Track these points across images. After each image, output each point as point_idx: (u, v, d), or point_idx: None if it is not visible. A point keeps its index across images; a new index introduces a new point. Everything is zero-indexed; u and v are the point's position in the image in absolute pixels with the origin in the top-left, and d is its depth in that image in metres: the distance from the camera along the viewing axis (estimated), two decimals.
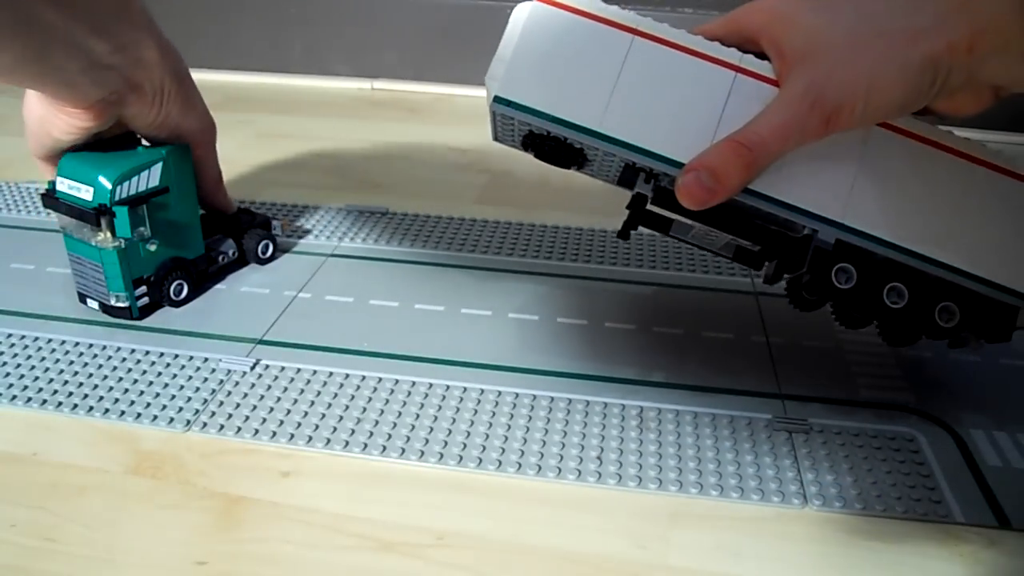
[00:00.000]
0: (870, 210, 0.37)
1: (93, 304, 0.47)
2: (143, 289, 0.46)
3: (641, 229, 0.39)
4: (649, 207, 0.39)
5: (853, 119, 0.34)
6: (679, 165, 0.36)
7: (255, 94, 0.95)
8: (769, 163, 0.35)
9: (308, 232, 0.59)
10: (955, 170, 0.37)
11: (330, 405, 0.41)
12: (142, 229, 0.45)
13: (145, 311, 0.47)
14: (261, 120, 0.85)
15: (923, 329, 0.38)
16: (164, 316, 0.48)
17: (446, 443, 0.38)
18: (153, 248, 0.46)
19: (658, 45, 0.37)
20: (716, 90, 0.37)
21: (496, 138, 0.42)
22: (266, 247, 0.53)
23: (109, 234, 0.43)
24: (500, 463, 0.37)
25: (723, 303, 0.50)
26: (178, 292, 0.48)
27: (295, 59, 0.99)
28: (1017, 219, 0.37)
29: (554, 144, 0.39)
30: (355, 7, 0.96)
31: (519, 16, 0.38)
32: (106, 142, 0.45)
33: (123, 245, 0.44)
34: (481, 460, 0.37)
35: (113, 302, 0.46)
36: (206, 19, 1.00)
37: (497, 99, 0.38)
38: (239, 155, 0.76)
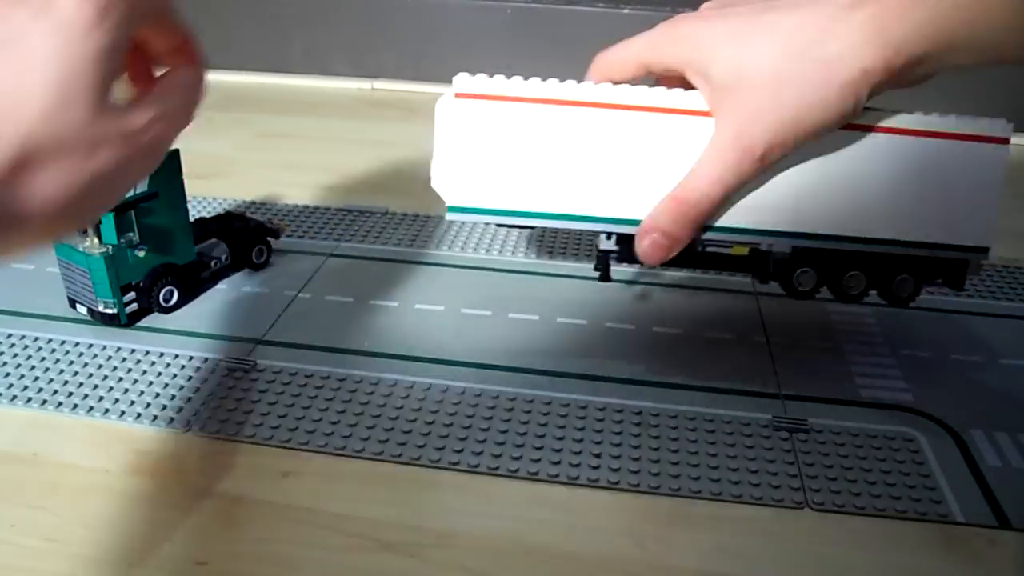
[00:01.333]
0: (816, 213, 0.39)
1: (82, 310, 0.46)
2: (132, 295, 0.46)
3: None
4: (613, 262, 0.41)
5: (785, 152, 0.36)
6: (636, 223, 0.38)
7: (255, 94, 0.95)
8: (714, 210, 0.37)
9: (308, 232, 0.59)
10: (879, 147, 0.38)
11: (330, 405, 0.41)
12: (130, 235, 0.44)
13: (134, 317, 0.47)
14: (261, 120, 0.85)
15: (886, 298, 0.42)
16: (164, 316, 0.48)
17: (445, 443, 0.38)
18: (142, 254, 0.45)
19: (583, 109, 0.38)
20: (655, 136, 0.38)
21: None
22: (260, 252, 0.53)
23: (96, 240, 0.43)
24: (500, 463, 0.37)
25: (723, 303, 0.50)
26: (168, 298, 0.47)
27: (295, 59, 0.99)
28: (948, 176, 0.38)
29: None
30: (355, 7, 0.96)
31: (443, 114, 0.39)
32: None
33: (111, 251, 0.44)
34: (481, 460, 0.37)
35: (101, 308, 0.45)
36: (206, 19, 0.99)
37: (451, 209, 0.39)
38: (239, 155, 0.76)
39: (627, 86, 0.38)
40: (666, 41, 0.38)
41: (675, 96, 0.37)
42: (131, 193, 0.43)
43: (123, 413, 0.40)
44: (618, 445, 0.38)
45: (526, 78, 0.39)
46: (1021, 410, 0.41)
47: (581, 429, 0.39)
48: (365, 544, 0.33)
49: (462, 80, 0.38)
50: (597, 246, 0.41)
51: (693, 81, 0.38)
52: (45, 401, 0.40)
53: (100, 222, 0.42)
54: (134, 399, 0.41)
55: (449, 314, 0.49)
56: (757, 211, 0.39)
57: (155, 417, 0.40)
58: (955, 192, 0.39)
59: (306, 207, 0.63)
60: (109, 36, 0.24)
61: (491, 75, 0.40)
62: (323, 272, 0.53)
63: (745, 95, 0.36)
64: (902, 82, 0.35)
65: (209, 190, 0.65)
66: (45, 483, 0.36)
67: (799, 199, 0.39)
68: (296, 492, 0.36)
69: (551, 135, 0.38)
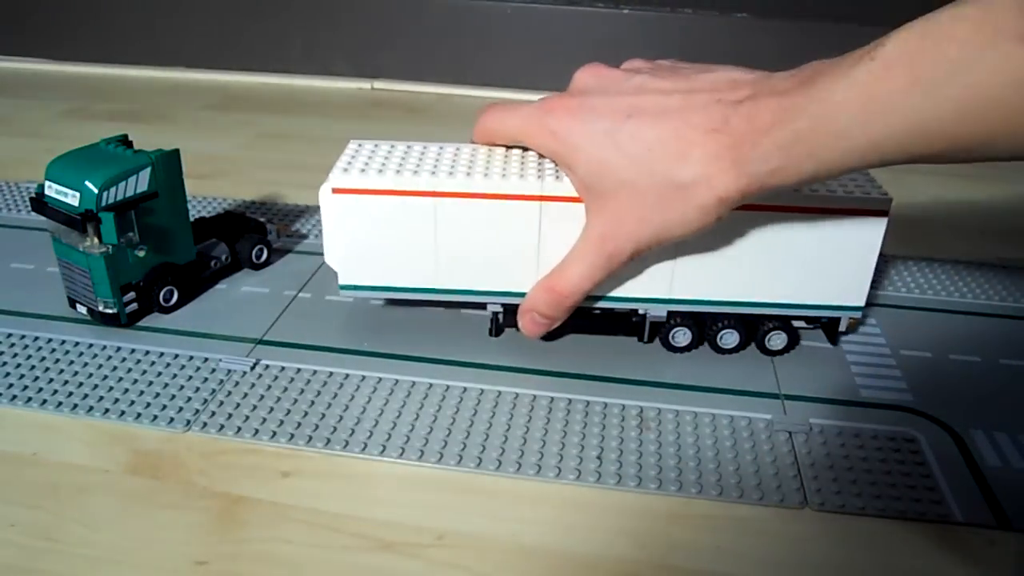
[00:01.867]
0: (690, 282, 0.42)
1: (82, 309, 0.46)
2: (132, 295, 0.46)
3: None
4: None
5: (635, 253, 0.38)
6: (519, 295, 0.42)
7: (255, 94, 0.95)
8: (581, 298, 0.40)
9: (308, 232, 0.59)
10: (761, 222, 0.40)
11: (330, 405, 0.41)
12: (130, 235, 0.44)
13: (134, 317, 0.46)
14: (261, 120, 0.85)
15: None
16: (164, 316, 0.48)
17: (446, 443, 0.38)
18: (142, 254, 0.45)
19: (458, 200, 0.41)
20: (529, 221, 0.41)
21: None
22: (260, 252, 0.53)
23: (96, 240, 0.43)
24: (500, 463, 0.37)
25: None
26: (168, 298, 0.47)
27: (295, 59, 0.99)
28: (825, 247, 0.41)
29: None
30: (355, 7, 0.96)
31: (325, 203, 0.42)
32: (101, 148, 0.45)
33: (110, 251, 0.44)
34: (481, 460, 0.37)
35: (101, 308, 0.45)
36: (206, 19, 1.00)
37: (343, 287, 0.44)
38: (239, 155, 0.76)
39: (500, 177, 0.40)
40: (536, 129, 0.40)
41: (547, 185, 0.40)
42: (131, 192, 0.44)
43: (123, 413, 0.40)
44: (619, 445, 0.38)
45: (421, 150, 0.43)
46: (1021, 410, 0.41)
47: (581, 429, 0.39)
48: (365, 544, 0.33)
49: (337, 176, 0.41)
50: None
51: (562, 170, 0.40)
52: (45, 401, 0.40)
53: (100, 221, 0.42)
54: (134, 399, 0.41)
55: (449, 314, 0.49)
56: (633, 283, 0.42)
57: (155, 417, 0.40)
58: (831, 260, 0.41)
59: (306, 207, 0.63)
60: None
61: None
62: (323, 272, 0.53)
63: (609, 200, 0.37)
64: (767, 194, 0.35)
65: (209, 190, 0.65)
66: (45, 483, 0.36)
67: (674, 271, 0.42)
68: (296, 492, 0.36)
69: (429, 222, 0.41)
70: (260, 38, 1.00)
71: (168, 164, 0.45)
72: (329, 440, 0.38)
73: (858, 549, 0.33)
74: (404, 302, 0.49)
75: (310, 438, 0.38)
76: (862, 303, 0.43)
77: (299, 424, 0.39)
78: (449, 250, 0.42)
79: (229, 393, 0.41)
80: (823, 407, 0.41)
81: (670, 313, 0.44)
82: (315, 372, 0.43)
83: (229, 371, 0.43)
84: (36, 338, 0.45)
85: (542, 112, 0.39)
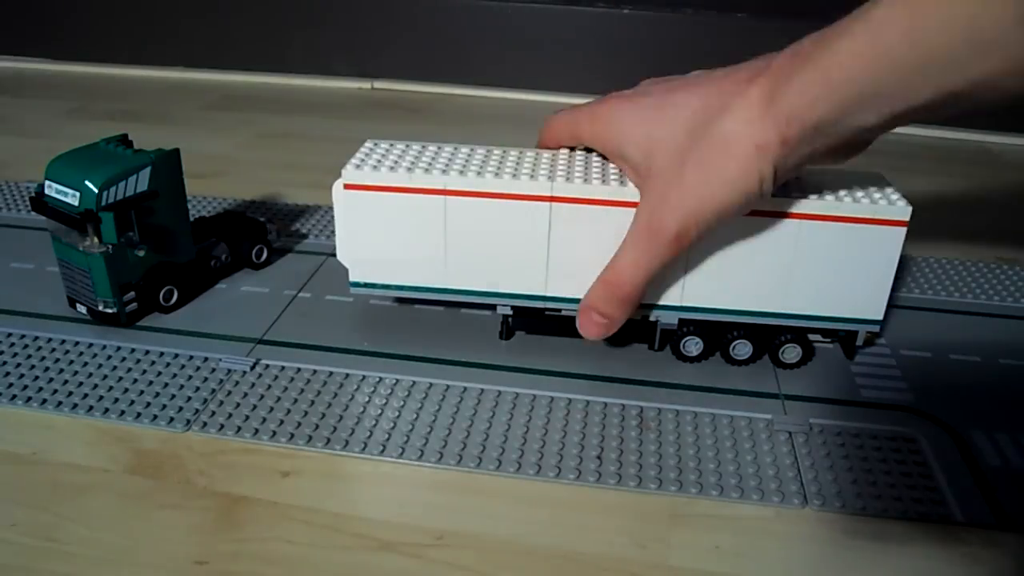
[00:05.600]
0: (701, 290, 0.41)
1: (82, 309, 0.46)
2: (131, 295, 0.46)
3: None
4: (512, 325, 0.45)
5: (698, 233, 0.37)
6: (527, 297, 0.42)
7: (255, 94, 0.95)
8: (640, 290, 0.39)
9: (308, 232, 0.59)
10: (778, 230, 0.40)
11: (330, 405, 0.41)
12: (130, 234, 0.44)
13: (134, 317, 0.46)
14: (261, 120, 0.85)
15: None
16: (164, 316, 0.48)
17: (446, 443, 0.38)
18: (142, 254, 0.45)
19: (469, 199, 0.40)
20: (540, 223, 0.40)
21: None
22: (260, 251, 0.53)
23: (96, 239, 0.43)
24: (500, 463, 0.37)
25: None
26: (168, 298, 0.47)
27: (295, 59, 0.99)
28: (844, 258, 0.40)
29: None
30: (355, 7, 0.96)
31: (338, 199, 0.42)
32: (100, 147, 0.45)
33: (110, 251, 0.44)
34: (481, 460, 0.37)
35: (101, 308, 0.45)
36: (206, 19, 1.00)
37: (353, 284, 0.44)
38: (239, 155, 0.76)
39: (511, 176, 0.40)
40: (588, 120, 0.40)
41: (556, 185, 0.40)
42: (131, 192, 0.44)
43: (123, 413, 0.40)
44: (619, 445, 0.38)
45: (435, 150, 0.43)
46: (1021, 410, 0.41)
47: (581, 429, 0.39)
48: (365, 544, 0.33)
49: (350, 172, 0.41)
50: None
51: (614, 161, 0.40)
52: (45, 401, 0.40)
53: (100, 221, 0.42)
54: (134, 399, 0.41)
55: (450, 314, 0.49)
56: (650, 290, 0.41)
57: (155, 417, 0.40)
58: (850, 272, 0.40)
59: (306, 207, 0.63)
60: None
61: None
62: (323, 272, 0.53)
63: (655, 178, 0.37)
64: (816, 156, 0.35)
65: (209, 189, 0.65)
66: (45, 483, 0.36)
67: (685, 278, 0.41)
68: (296, 492, 0.36)
69: (439, 220, 0.41)
70: (260, 38, 1.00)
71: (168, 164, 0.45)
72: (329, 440, 0.38)
73: (858, 549, 0.33)
74: (410, 301, 0.49)
75: (310, 438, 0.38)
76: (880, 316, 0.41)
77: (299, 424, 0.39)
78: (459, 249, 0.42)
79: (229, 393, 0.41)
80: (823, 407, 0.41)
81: (681, 321, 0.43)
82: (315, 372, 0.43)
83: (229, 371, 0.43)
84: (36, 338, 0.45)
85: (595, 104, 0.40)
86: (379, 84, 0.98)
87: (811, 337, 0.44)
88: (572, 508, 0.35)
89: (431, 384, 0.42)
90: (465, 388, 0.42)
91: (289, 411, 0.40)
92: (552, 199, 0.40)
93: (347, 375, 0.43)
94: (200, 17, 1.00)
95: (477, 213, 0.41)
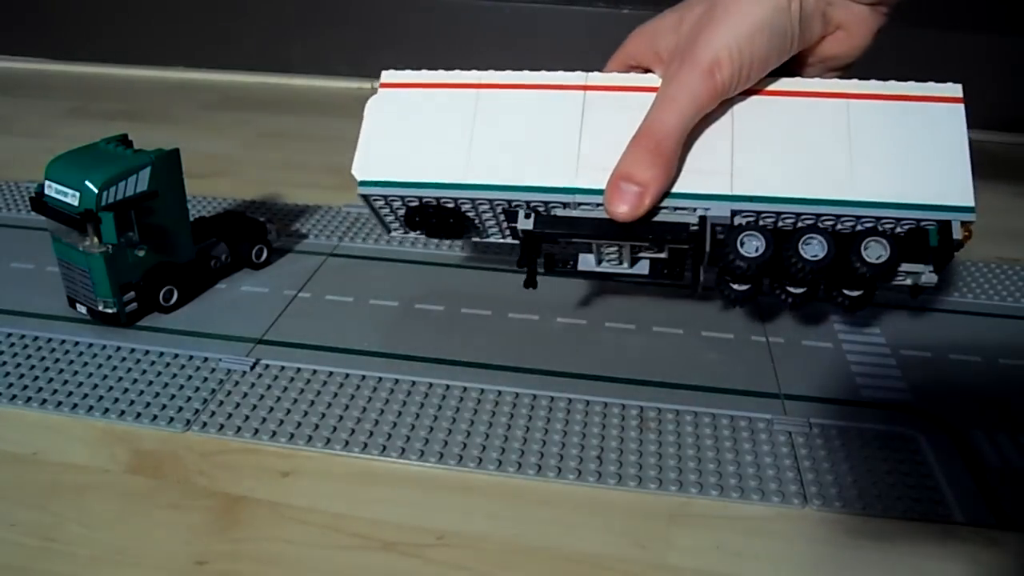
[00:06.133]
0: (755, 175, 0.36)
1: (82, 309, 0.46)
2: (131, 295, 0.46)
3: None
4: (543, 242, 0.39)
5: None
6: (554, 190, 0.37)
7: (255, 94, 0.95)
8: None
9: (308, 232, 0.59)
10: (827, 111, 0.37)
11: (330, 405, 0.41)
12: (130, 234, 0.44)
13: (133, 317, 0.46)
14: (261, 120, 0.85)
15: (861, 276, 0.36)
16: (164, 316, 0.48)
17: (446, 443, 0.38)
18: (141, 254, 0.45)
19: (502, 90, 0.39)
20: (572, 111, 0.38)
21: (389, 231, 0.44)
22: (260, 251, 0.53)
23: (96, 239, 0.43)
24: (500, 463, 0.37)
25: (723, 303, 0.50)
26: (168, 298, 0.47)
27: (295, 59, 0.99)
28: (908, 136, 0.36)
29: (435, 214, 0.40)
30: (356, 7, 0.96)
31: (370, 108, 0.41)
32: (99, 147, 0.45)
33: (110, 251, 0.44)
34: (481, 460, 0.37)
35: (101, 308, 0.45)
36: (206, 19, 0.99)
37: (362, 183, 0.39)
38: (239, 154, 0.76)
39: (545, 72, 0.39)
40: (631, 40, 0.40)
41: (592, 75, 0.39)
42: (131, 192, 0.44)
43: (123, 413, 0.40)
44: (619, 445, 0.38)
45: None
46: (1021, 410, 0.41)
47: (581, 429, 0.39)
48: (365, 544, 0.33)
49: (387, 74, 0.41)
50: (516, 231, 0.39)
51: (653, 67, 0.39)
52: (45, 401, 0.40)
53: (100, 221, 0.42)
54: (134, 399, 0.41)
55: (449, 314, 0.49)
56: (686, 175, 0.37)
57: (155, 417, 0.40)
58: (919, 151, 0.36)
59: (306, 207, 0.63)
60: None
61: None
62: (323, 272, 0.53)
63: (685, 33, 0.36)
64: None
65: (209, 189, 0.65)
66: (45, 483, 0.36)
67: (734, 158, 0.37)
68: (296, 492, 0.36)
69: (467, 116, 0.39)
70: (260, 38, 1.00)
71: (168, 164, 0.45)
72: (329, 440, 0.38)
73: (858, 549, 0.33)
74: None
75: (310, 438, 0.38)
76: (971, 201, 0.35)
77: (299, 424, 0.39)
78: (486, 144, 0.39)
79: (229, 393, 0.41)
80: (823, 407, 0.41)
81: (734, 214, 0.36)
82: (315, 372, 0.43)
83: (229, 371, 0.43)
84: (36, 338, 0.45)
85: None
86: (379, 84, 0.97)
87: (896, 280, 0.38)
88: (572, 508, 0.35)
89: (431, 384, 0.42)
90: (465, 388, 0.42)
91: (289, 411, 0.40)
92: (586, 87, 0.39)
93: (347, 375, 0.43)
94: (200, 17, 0.99)
95: (509, 104, 0.39)
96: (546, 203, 0.38)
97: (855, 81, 0.37)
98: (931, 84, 0.37)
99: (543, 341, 0.46)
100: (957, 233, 0.35)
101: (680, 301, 0.50)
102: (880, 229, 0.36)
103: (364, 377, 0.43)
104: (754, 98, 0.38)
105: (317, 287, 0.51)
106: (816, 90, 0.37)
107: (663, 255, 0.40)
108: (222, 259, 0.51)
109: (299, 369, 0.43)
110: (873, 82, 0.37)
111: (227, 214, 0.55)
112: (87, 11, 1.01)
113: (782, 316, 0.49)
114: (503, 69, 0.40)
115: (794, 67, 0.38)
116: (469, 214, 0.40)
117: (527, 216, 0.38)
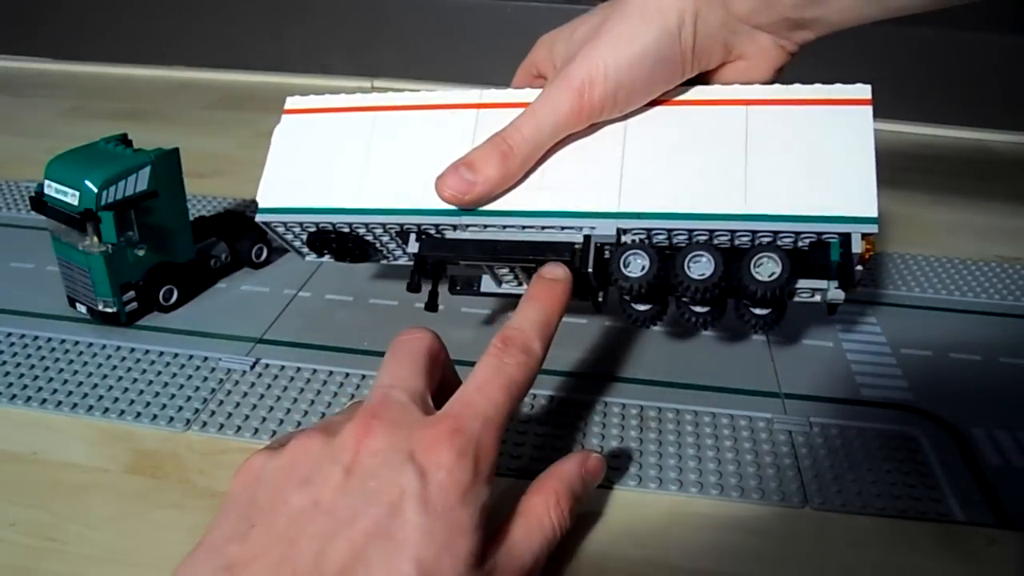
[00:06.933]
0: (644, 190, 0.35)
1: (82, 309, 0.46)
2: (131, 294, 0.46)
3: None
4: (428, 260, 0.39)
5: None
6: (441, 212, 0.37)
7: (255, 93, 0.95)
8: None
9: None
10: (725, 120, 0.35)
11: (330, 404, 0.41)
12: (130, 234, 0.44)
13: (133, 316, 0.46)
14: (261, 119, 0.85)
15: (754, 295, 0.34)
16: (164, 315, 0.48)
17: None
18: (141, 253, 0.45)
19: (398, 111, 0.39)
20: (463, 131, 0.38)
21: (303, 256, 0.45)
22: (260, 251, 0.53)
23: (96, 239, 0.43)
24: (499, 462, 0.37)
25: None
26: (168, 297, 0.47)
27: (295, 57, 0.99)
28: (810, 144, 0.34)
29: (335, 240, 0.41)
30: (355, 5, 0.96)
31: (276, 134, 0.42)
32: (98, 147, 0.45)
33: (110, 250, 0.44)
34: None
35: (101, 308, 0.45)
36: (206, 18, 0.99)
37: (259, 211, 0.40)
38: (239, 154, 0.76)
39: (441, 92, 0.40)
40: (536, 46, 0.41)
41: (486, 93, 0.39)
42: (131, 191, 0.44)
43: (123, 412, 0.40)
44: (619, 445, 0.38)
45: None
46: (1021, 409, 0.41)
47: (582, 428, 0.39)
48: None
49: (291, 100, 0.42)
50: (404, 252, 0.40)
51: (548, 75, 0.40)
52: (45, 400, 0.40)
53: (100, 220, 0.42)
54: (134, 398, 0.41)
55: (449, 313, 0.49)
56: (570, 192, 0.35)
57: (155, 416, 0.40)
58: (820, 160, 0.34)
59: None
60: (475, 504, 0.26)
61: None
62: (323, 271, 0.53)
63: (575, 43, 0.36)
64: (745, 14, 0.34)
65: (209, 189, 0.65)
66: (45, 483, 0.36)
67: (626, 175, 0.35)
68: None
69: (363, 139, 0.40)
70: (260, 37, 1.00)
71: (168, 163, 0.45)
72: None
73: (858, 548, 0.33)
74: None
75: None
76: (874, 212, 0.33)
77: (299, 423, 0.39)
78: (379, 167, 0.39)
79: (229, 392, 0.41)
80: (823, 406, 0.41)
81: (620, 232, 0.35)
82: (315, 371, 0.43)
83: (229, 370, 0.43)
84: (36, 337, 0.45)
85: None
86: (379, 83, 0.97)
87: (800, 296, 0.36)
88: None
89: None
90: None
91: (289, 411, 0.40)
92: (479, 106, 0.38)
93: (347, 375, 0.43)
94: (200, 17, 0.99)
95: (403, 126, 0.39)
96: (437, 226, 0.38)
97: (757, 86, 0.36)
98: (839, 86, 0.35)
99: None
100: (857, 246, 0.33)
101: None
102: (778, 244, 0.34)
103: (364, 377, 0.43)
104: (650, 110, 0.36)
105: (317, 287, 0.51)
106: (714, 98, 0.36)
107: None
108: (222, 258, 0.51)
109: (299, 369, 0.43)
110: (777, 86, 0.36)
111: (227, 213, 0.55)
112: (87, 11, 1.01)
113: None
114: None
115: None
116: (367, 238, 0.41)
117: (417, 240, 0.38)
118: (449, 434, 0.27)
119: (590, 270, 0.35)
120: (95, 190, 0.42)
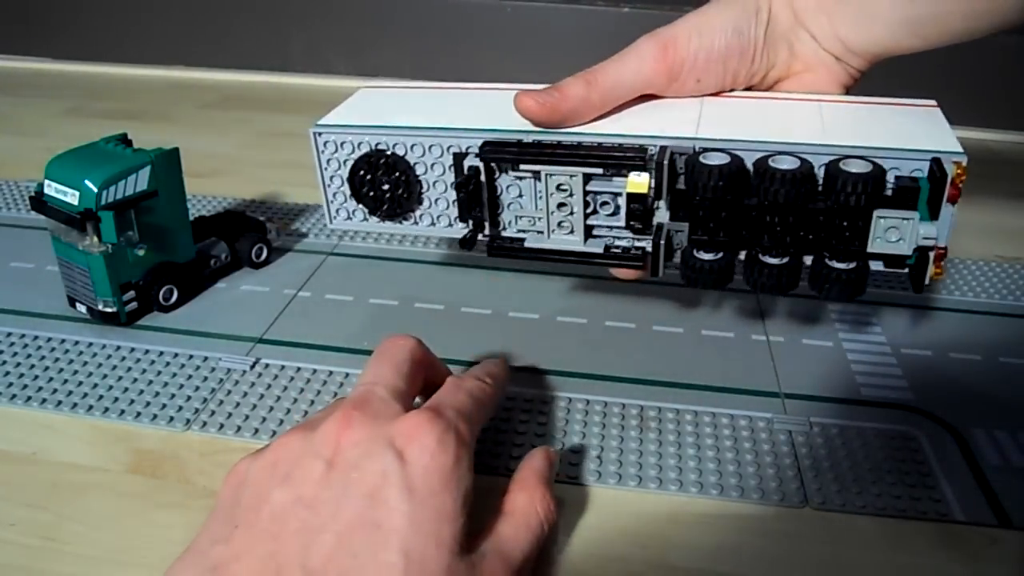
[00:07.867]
0: (723, 130, 0.35)
1: (82, 308, 0.46)
2: (131, 294, 0.46)
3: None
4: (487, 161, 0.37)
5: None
6: (509, 131, 0.36)
7: (255, 93, 0.95)
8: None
9: (308, 231, 0.59)
10: (799, 107, 0.38)
11: (330, 404, 0.40)
12: (130, 233, 0.44)
13: (133, 316, 0.46)
14: (261, 119, 0.85)
15: (845, 201, 0.31)
16: (164, 315, 0.48)
17: None
18: (141, 253, 0.45)
19: (474, 90, 0.42)
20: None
21: (331, 219, 0.42)
22: (260, 251, 0.53)
23: (96, 239, 0.43)
24: (499, 463, 0.37)
25: (723, 302, 0.50)
26: (168, 297, 0.47)
27: (294, 57, 0.99)
28: (875, 119, 0.36)
29: (385, 168, 0.38)
30: (355, 5, 0.96)
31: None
32: (98, 146, 0.45)
33: (110, 250, 0.44)
34: (480, 459, 0.37)
35: (101, 307, 0.45)
36: (206, 18, 0.99)
37: (316, 125, 0.39)
38: (239, 154, 0.76)
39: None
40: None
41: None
42: (131, 191, 0.43)
43: (123, 412, 0.40)
44: (619, 445, 0.38)
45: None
46: (1021, 409, 0.41)
47: (582, 429, 0.39)
48: None
49: (371, 84, 0.44)
50: (460, 188, 0.37)
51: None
52: (45, 400, 0.40)
53: (100, 220, 0.42)
54: (134, 398, 0.41)
55: (449, 313, 0.49)
56: (648, 123, 0.36)
57: (155, 416, 0.40)
58: (897, 127, 0.35)
59: (306, 206, 0.63)
60: (458, 489, 0.27)
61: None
62: (323, 271, 0.53)
63: None
64: (809, 40, 0.37)
65: (209, 189, 0.65)
66: (45, 483, 0.36)
67: (701, 113, 0.36)
68: None
69: (434, 98, 0.42)
70: (259, 37, 1.00)
71: (167, 163, 0.45)
72: None
73: (858, 548, 0.33)
74: (404, 295, 0.49)
75: None
76: (959, 148, 0.32)
77: (299, 423, 0.39)
78: (447, 106, 0.40)
79: (229, 392, 0.41)
80: (823, 406, 0.41)
81: (699, 154, 0.34)
82: (315, 371, 0.43)
83: (229, 370, 0.43)
84: (36, 337, 0.45)
85: None
86: (379, 84, 0.97)
87: (882, 246, 0.33)
88: (572, 508, 0.35)
89: None
90: None
91: (289, 411, 0.40)
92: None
93: (347, 375, 0.43)
94: (200, 17, 0.99)
95: (480, 96, 0.41)
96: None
97: (827, 94, 0.39)
98: (906, 99, 0.38)
99: (543, 340, 0.46)
100: (949, 169, 0.31)
101: (680, 300, 0.50)
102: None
103: None
104: (724, 97, 0.39)
105: (317, 286, 0.51)
106: (786, 96, 0.39)
107: (619, 224, 0.37)
108: (222, 258, 0.51)
109: (299, 369, 0.43)
110: (847, 96, 0.39)
111: (227, 213, 0.55)
112: (87, 11, 1.01)
113: (782, 315, 0.49)
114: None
115: None
116: (418, 169, 0.39)
117: (476, 155, 0.37)
118: (429, 420, 0.28)
119: (665, 180, 0.34)
120: (95, 190, 0.42)
